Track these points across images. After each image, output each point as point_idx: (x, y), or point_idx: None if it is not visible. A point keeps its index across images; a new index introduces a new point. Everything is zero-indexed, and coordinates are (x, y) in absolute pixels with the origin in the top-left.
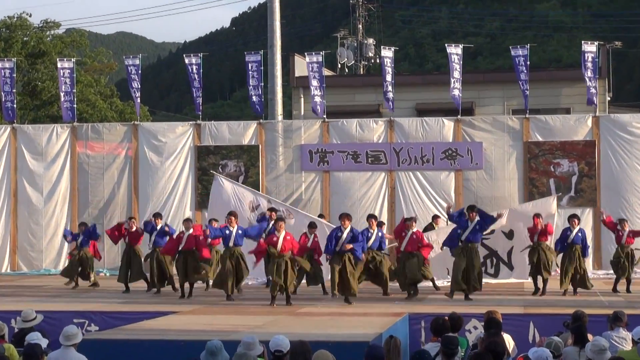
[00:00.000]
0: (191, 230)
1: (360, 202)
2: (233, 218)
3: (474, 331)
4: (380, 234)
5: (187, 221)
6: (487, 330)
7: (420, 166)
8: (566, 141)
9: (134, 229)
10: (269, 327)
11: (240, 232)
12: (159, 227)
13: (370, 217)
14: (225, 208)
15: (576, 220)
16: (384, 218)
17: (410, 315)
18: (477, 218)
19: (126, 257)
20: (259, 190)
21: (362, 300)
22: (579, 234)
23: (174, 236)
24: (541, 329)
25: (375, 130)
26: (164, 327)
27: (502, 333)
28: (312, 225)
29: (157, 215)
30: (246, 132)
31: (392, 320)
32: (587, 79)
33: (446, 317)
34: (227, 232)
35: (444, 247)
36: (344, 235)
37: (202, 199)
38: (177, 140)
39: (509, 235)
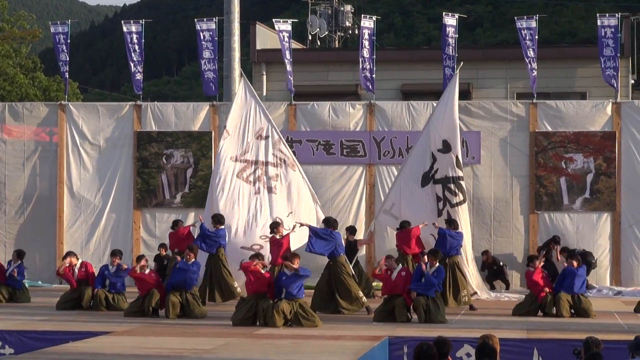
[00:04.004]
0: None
1: (332, 202)
2: (192, 253)
3: (467, 359)
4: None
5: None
6: (479, 359)
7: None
8: (581, 132)
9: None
10: (220, 352)
11: (195, 268)
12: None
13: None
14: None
15: (575, 263)
16: (361, 222)
17: (391, 339)
18: (437, 265)
19: None
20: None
21: (333, 320)
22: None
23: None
24: (547, 358)
25: (352, 115)
26: (95, 351)
27: None
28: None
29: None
30: (196, 116)
31: (369, 345)
32: (606, 58)
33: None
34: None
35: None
36: None
37: (142, 196)
38: (113, 124)
39: None
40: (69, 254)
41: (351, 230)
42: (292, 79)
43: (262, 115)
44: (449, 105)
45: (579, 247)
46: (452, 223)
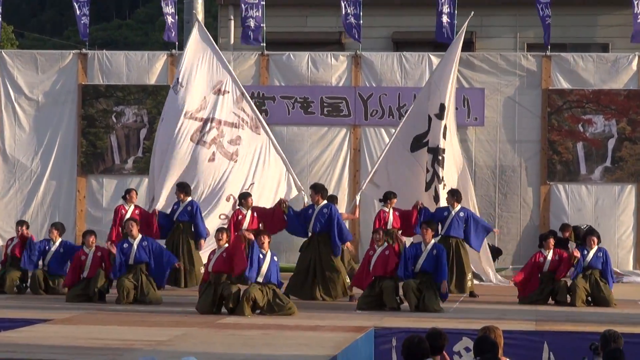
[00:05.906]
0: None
1: (310, 168)
2: (134, 224)
3: (466, 354)
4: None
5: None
6: (479, 355)
7: (396, 120)
8: (601, 90)
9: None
10: (176, 344)
11: (145, 243)
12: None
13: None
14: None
15: (595, 239)
16: (344, 192)
17: (377, 331)
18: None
19: None
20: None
21: (310, 308)
22: (599, 255)
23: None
24: (559, 353)
25: (334, 68)
26: (30, 342)
27: (502, 358)
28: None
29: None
30: (152, 67)
31: (352, 337)
32: (635, 3)
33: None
34: (126, 245)
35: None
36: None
37: (87, 161)
38: (54, 76)
39: None
40: (21, 223)
41: (330, 199)
42: (262, 25)
43: (221, 66)
44: (450, 64)
45: (588, 224)
46: (455, 194)
